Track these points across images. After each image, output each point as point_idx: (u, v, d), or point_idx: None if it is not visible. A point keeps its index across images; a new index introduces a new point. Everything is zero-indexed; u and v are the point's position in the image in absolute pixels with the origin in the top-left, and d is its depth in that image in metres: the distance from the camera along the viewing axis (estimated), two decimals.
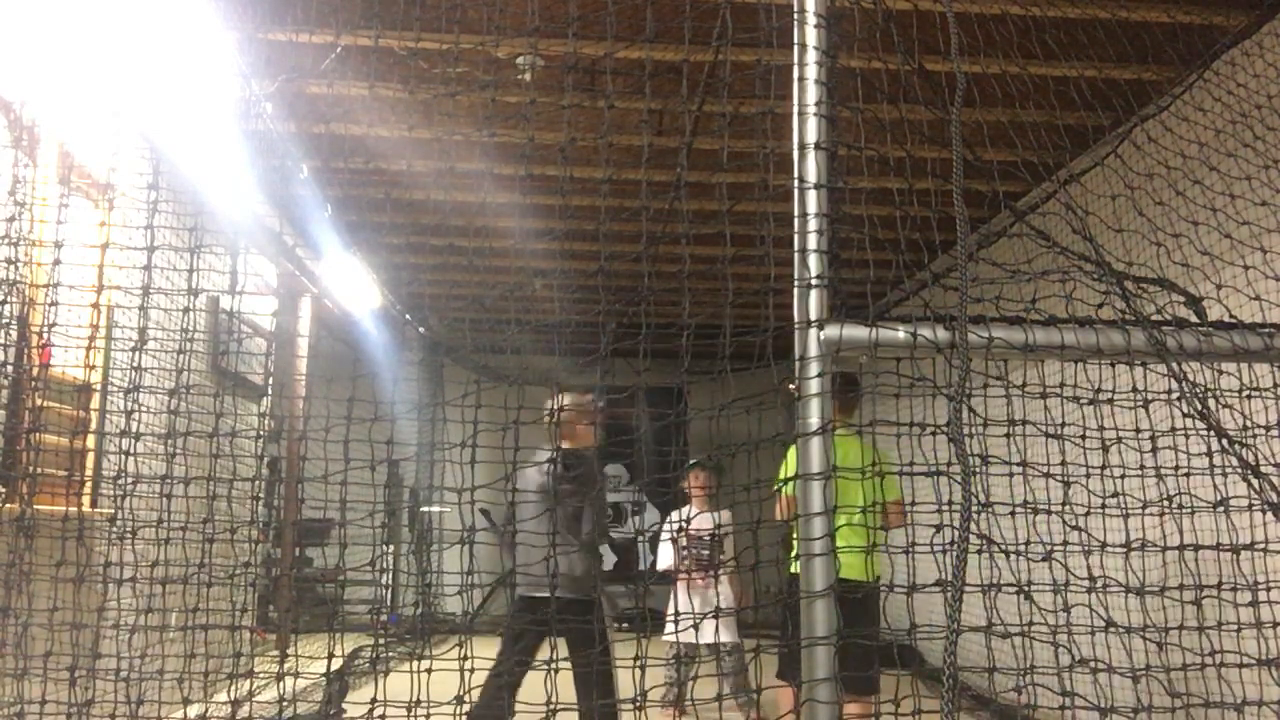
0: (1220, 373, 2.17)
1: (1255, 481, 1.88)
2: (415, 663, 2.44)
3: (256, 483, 3.65)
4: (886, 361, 2.02)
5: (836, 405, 3.67)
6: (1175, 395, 2.01)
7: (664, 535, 5.54)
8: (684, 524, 5.33)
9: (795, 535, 1.88)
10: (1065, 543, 2.13)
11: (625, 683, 2.14)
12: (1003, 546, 2.02)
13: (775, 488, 3.73)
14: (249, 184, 5.06)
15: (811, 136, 1.97)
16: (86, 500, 3.92)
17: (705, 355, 2.38)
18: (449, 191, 6.08)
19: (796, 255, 1.94)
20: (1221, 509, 2.15)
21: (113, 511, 3.22)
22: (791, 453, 3.97)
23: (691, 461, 5.71)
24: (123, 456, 3.07)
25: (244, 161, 4.84)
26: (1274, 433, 2.24)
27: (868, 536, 2.93)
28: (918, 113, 2.92)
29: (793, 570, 3.85)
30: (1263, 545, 2.14)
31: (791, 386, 1.92)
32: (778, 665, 3.71)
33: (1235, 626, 2.19)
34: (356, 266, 7.23)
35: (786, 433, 1.97)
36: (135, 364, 3.06)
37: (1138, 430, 2.37)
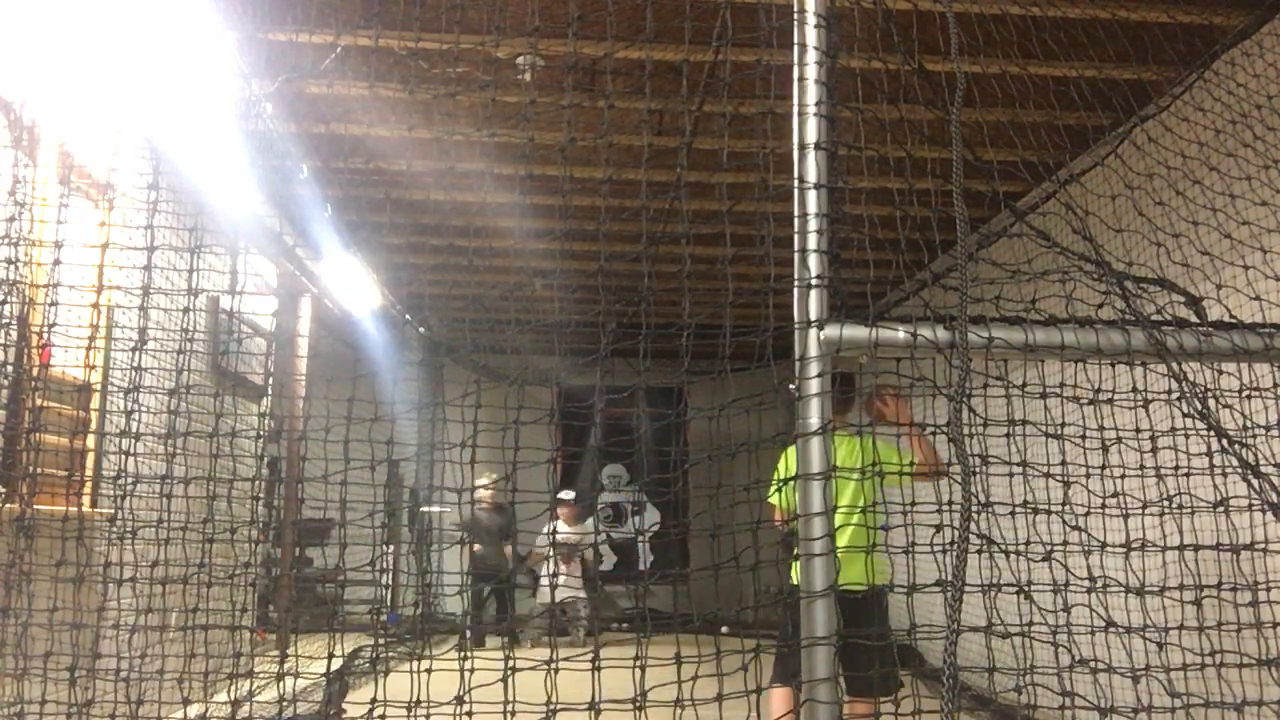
0: (1220, 373, 2.17)
1: (1255, 481, 1.88)
2: (415, 663, 2.44)
3: (256, 483, 3.65)
4: (886, 361, 2.02)
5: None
6: (1175, 395, 2.01)
7: (542, 542, 8.84)
8: (553, 535, 8.66)
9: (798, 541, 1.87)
10: (1065, 543, 2.13)
11: (624, 682, 2.14)
12: (1003, 546, 2.02)
13: (770, 495, 3.70)
14: (249, 184, 5.06)
15: (811, 136, 1.96)
16: (86, 500, 3.92)
17: (705, 355, 2.37)
18: (449, 191, 6.08)
19: (796, 255, 1.94)
20: (1221, 509, 2.15)
21: (113, 511, 3.22)
22: (790, 455, 3.99)
23: (561, 496, 9.26)
24: (123, 456, 3.07)
25: (244, 161, 4.84)
26: (1274, 433, 2.24)
27: (867, 537, 2.92)
28: (918, 113, 2.92)
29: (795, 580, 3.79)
30: (1263, 545, 2.14)
31: (791, 386, 1.92)
32: (774, 668, 3.68)
33: (1235, 626, 2.19)
34: (356, 266, 7.23)
35: (787, 432, 1.97)
36: (135, 364, 3.06)
37: (1138, 430, 2.37)
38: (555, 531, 8.86)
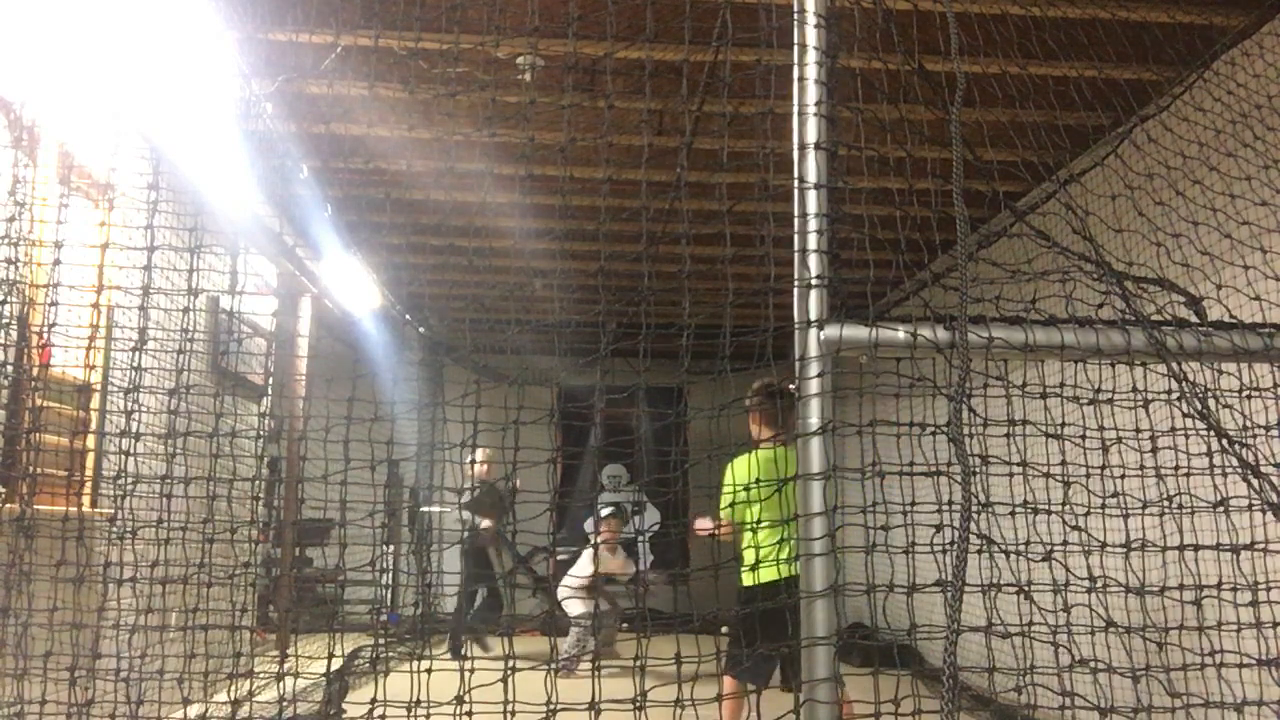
0: (1220, 373, 2.17)
1: (1255, 481, 1.88)
2: (415, 663, 2.44)
3: (256, 483, 3.65)
4: (886, 361, 2.02)
5: (764, 418, 3.83)
6: (1175, 395, 2.01)
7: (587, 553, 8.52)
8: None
9: (747, 546, 1.91)
10: (1065, 543, 2.13)
11: (624, 682, 2.14)
12: (1003, 546, 2.02)
13: (724, 507, 3.81)
14: (249, 184, 5.06)
15: (811, 136, 1.97)
16: (86, 500, 3.92)
17: (705, 355, 2.37)
18: (449, 191, 6.08)
19: (796, 255, 1.94)
20: (1221, 509, 2.15)
21: (113, 511, 3.22)
22: (738, 465, 4.09)
23: (606, 513, 9.17)
24: (123, 456, 3.07)
25: (244, 161, 4.83)
26: (1274, 433, 2.24)
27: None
28: (918, 113, 2.92)
29: (745, 582, 3.95)
30: (1263, 545, 2.14)
31: (791, 387, 1.92)
32: (726, 661, 3.78)
33: (1235, 626, 2.19)
34: (356, 266, 7.23)
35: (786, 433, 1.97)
36: (135, 364, 3.06)
37: (1138, 430, 2.37)
38: (592, 570, 8.06)
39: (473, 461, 7.93)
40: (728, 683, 3.87)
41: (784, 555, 3.24)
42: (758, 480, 3.02)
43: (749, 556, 3.68)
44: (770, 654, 3.38)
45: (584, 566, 8.26)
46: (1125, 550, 2.20)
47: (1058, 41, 3.85)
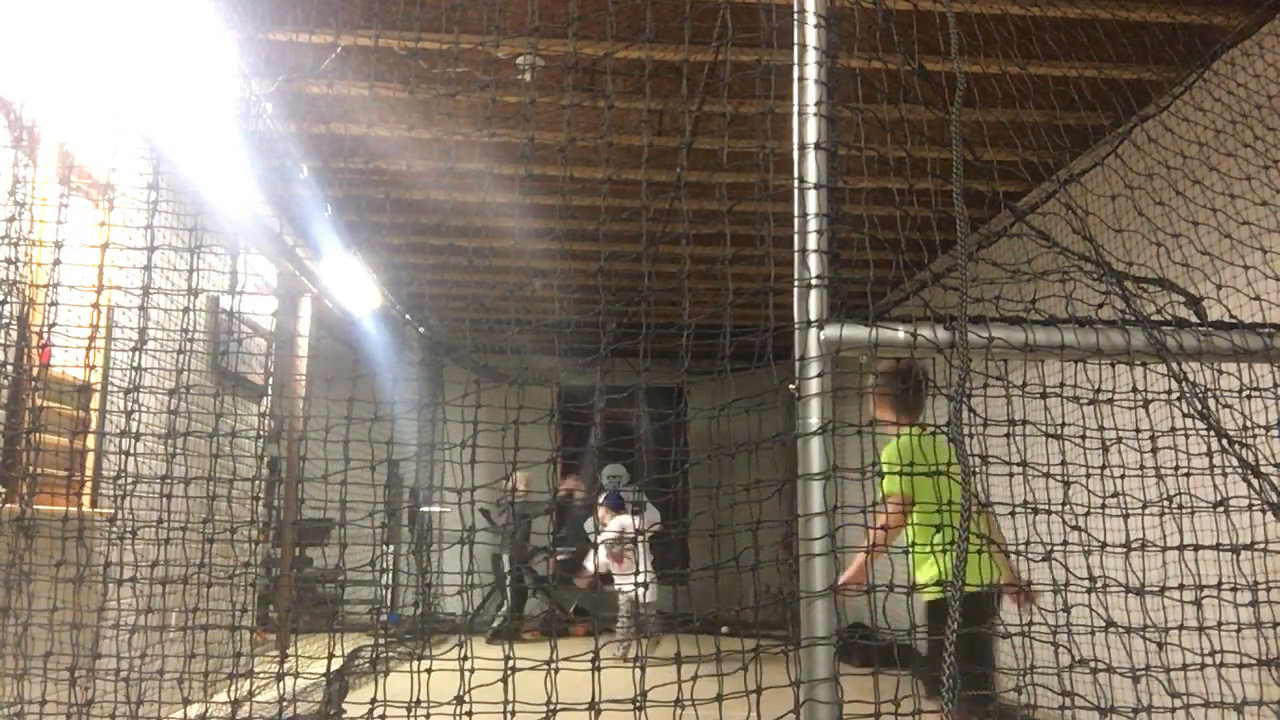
0: (1220, 373, 2.17)
1: (1255, 481, 1.88)
2: (415, 663, 2.44)
3: (256, 483, 3.65)
4: (887, 362, 2.02)
5: (890, 403, 3.34)
6: (1175, 395, 2.01)
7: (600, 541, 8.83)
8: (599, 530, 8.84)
9: (925, 547, 1.84)
10: (1065, 543, 2.13)
11: (624, 682, 2.14)
12: (1003, 546, 2.02)
13: (892, 486, 3.15)
14: (249, 184, 5.06)
15: (811, 136, 1.97)
16: (86, 500, 3.92)
17: (705, 355, 2.37)
18: (449, 191, 6.08)
19: (796, 255, 1.94)
20: (1221, 509, 2.15)
21: (113, 511, 3.22)
22: (900, 445, 3.26)
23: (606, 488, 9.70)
24: (123, 456, 3.07)
25: (244, 161, 4.83)
26: (1274, 433, 2.24)
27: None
28: (918, 113, 2.92)
29: (930, 595, 3.02)
30: (1263, 545, 2.14)
31: (791, 387, 1.92)
32: (927, 687, 3.15)
33: (1235, 626, 2.19)
34: (356, 266, 7.23)
35: (786, 433, 1.97)
36: (135, 364, 3.06)
37: (1138, 430, 2.37)
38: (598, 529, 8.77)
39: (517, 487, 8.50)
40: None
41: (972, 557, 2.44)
42: (910, 464, 2.40)
43: (925, 563, 2.88)
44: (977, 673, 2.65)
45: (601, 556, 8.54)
46: (1125, 550, 2.19)
47: (1058, 41, 3.85)
